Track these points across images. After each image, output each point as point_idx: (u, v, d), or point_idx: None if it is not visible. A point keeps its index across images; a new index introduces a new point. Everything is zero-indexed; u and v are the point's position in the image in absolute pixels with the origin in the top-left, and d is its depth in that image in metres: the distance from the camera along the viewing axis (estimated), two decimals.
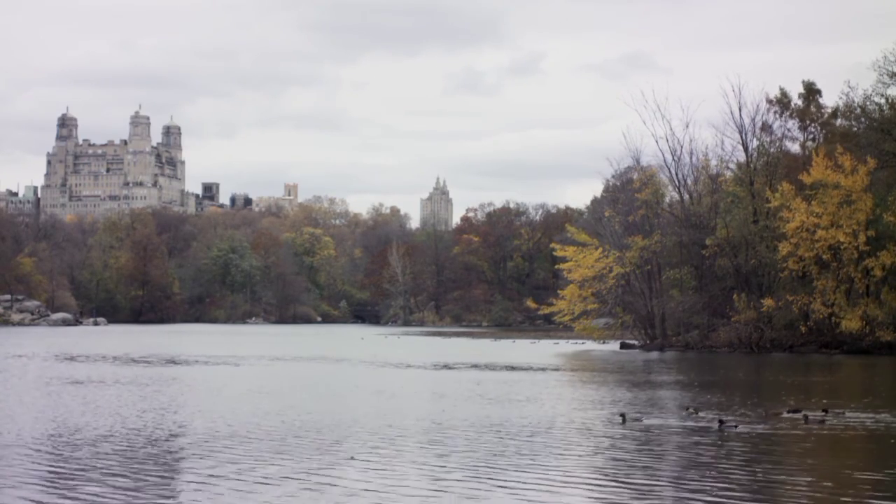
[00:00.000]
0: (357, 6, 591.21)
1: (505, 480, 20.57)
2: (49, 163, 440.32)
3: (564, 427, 29.66)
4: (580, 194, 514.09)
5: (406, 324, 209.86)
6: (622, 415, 31.27)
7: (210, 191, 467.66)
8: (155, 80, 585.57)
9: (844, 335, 76.46)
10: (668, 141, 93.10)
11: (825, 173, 77.68)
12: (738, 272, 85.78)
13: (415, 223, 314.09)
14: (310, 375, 54.16)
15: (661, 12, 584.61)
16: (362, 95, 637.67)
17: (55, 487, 19.88)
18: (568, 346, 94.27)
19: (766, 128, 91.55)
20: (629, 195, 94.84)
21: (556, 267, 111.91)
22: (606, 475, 21.60)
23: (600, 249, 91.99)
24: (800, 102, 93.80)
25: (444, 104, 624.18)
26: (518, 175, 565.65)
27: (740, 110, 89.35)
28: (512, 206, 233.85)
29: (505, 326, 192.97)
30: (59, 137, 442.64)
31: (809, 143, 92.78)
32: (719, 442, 26.43)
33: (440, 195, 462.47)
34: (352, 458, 23.28)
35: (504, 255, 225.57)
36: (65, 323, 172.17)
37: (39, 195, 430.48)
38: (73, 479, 20.70)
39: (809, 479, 21.12)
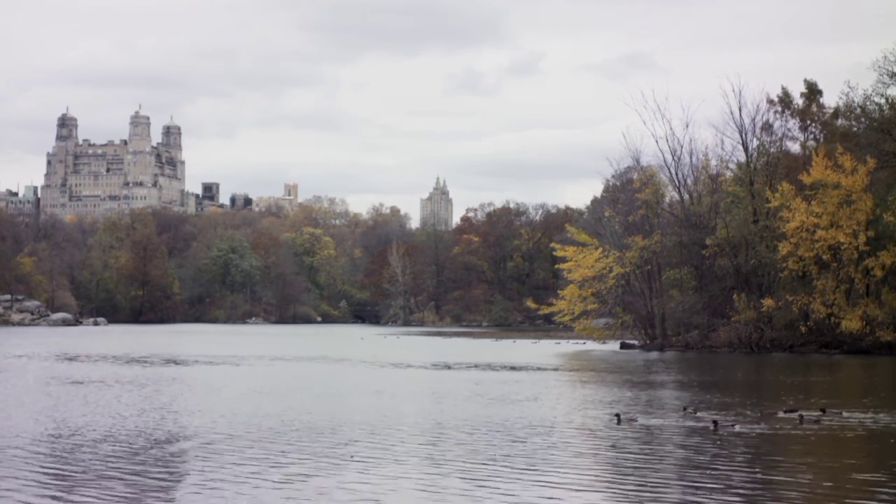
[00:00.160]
0: (357, 6, 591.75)
1: (505, 480, 20.59)
2: (49, 163, 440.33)
3: (561, 427, 29.67)
4: (580, 194, 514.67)
5: (406, 324, 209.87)
6: (617, 415, 31.28)
7: (210, 191, 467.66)
8: (155, 80, 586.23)
9: (844, 335, 76.46)
10: (668, 141, 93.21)
11: (825, 173, 77.70)
12: (738, 272, 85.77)
13: (415, 223, 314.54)
14: (310, 375, 54.17)
15: (661, 12, 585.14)
16: (362, 95, 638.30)
17: (55, 487, 19.89)
18: (569, 346, 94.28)
19: (766, 128, 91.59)
20: (629, 195, 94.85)
21: (556, 267, 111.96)
22: (599, 476, 21.62)
23: (600, 249, 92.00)
24: (801, 102, 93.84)
25: (444, 104, 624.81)
26: (518, 175, 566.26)
27: (740, 110, 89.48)
28: (512, 206, 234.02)
29: (505, 326, 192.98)
30: (59, 137, 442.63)
31: (810, 143, 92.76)
32: (714, 442, 26.41)
33: (440, 195, 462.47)
34: (352, 458, 23.30)
35: (504, 255, 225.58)
36: (65, 323, 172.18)
37: (39, 195, 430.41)
38: (72, 480, 20.71)
39: (802, 478, 21.12)
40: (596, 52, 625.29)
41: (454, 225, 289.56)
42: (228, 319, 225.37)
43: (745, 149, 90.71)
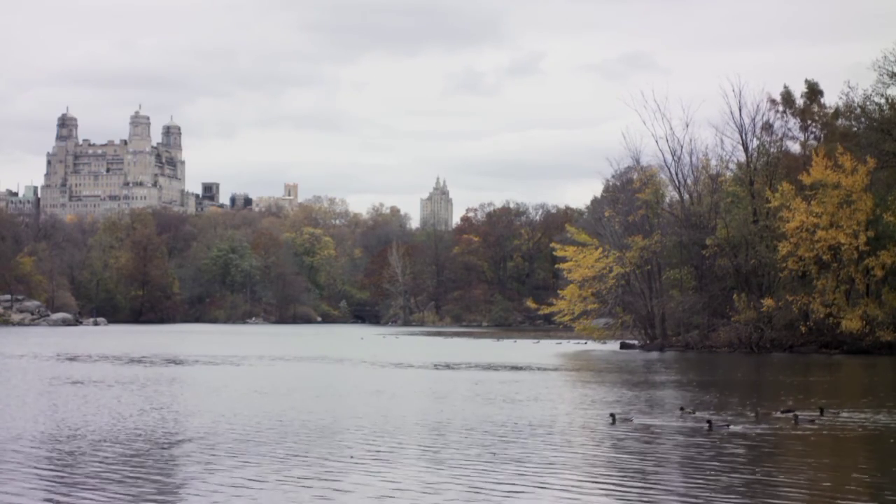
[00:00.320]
0: (357, 6, 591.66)
1: (504, 480, 20.61)
2: (49, 163, 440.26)
3: (560, 427, 29.70)
4: (580, 194, 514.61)
5: (406, 324, 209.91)
6: (612, 415, 31.29)
7: (210, 191, 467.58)
8: (155, 80, 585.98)
9: (844, 335, 76.45)
10: (668, 141, 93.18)
11: (825, 173, 77.70)
12: (738, 272, 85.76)
13: (415, 223, 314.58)
14: (310, 375, 54.18)
15: (661, 12, 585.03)
16: (362, 95, 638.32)
17: (55, 488, 19.91)
18: (569, 346, 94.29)
19: (766, 128, 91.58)
20: (629, 195, 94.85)
21: (556, 267, 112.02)
22: (596, 476, 21.62)
23: (600, 249, 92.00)
24: (801, 102, 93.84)
25: (443, 104, 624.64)
26: (518, 175, 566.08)
27: (740, 110, 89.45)
28: (512, 206, 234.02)
29: (505, 326, 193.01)
30: (59, 137, 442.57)
31: (811, 143, 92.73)
32: (708, 443, 26.41)
33: (440, 195, 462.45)
34: (352, 458, 23.31)
35: (504, 255, 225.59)
36: (65, 323, 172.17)
37: (39, 195, 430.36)
38: (73, 480, 20.73)
39: (795, 479, 21.13)
40: (596, 52, 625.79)
41: (454, 225, 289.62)
42: (228, 319, 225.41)
43: (745, 149, 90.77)
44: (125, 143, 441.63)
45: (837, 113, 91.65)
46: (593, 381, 49.34)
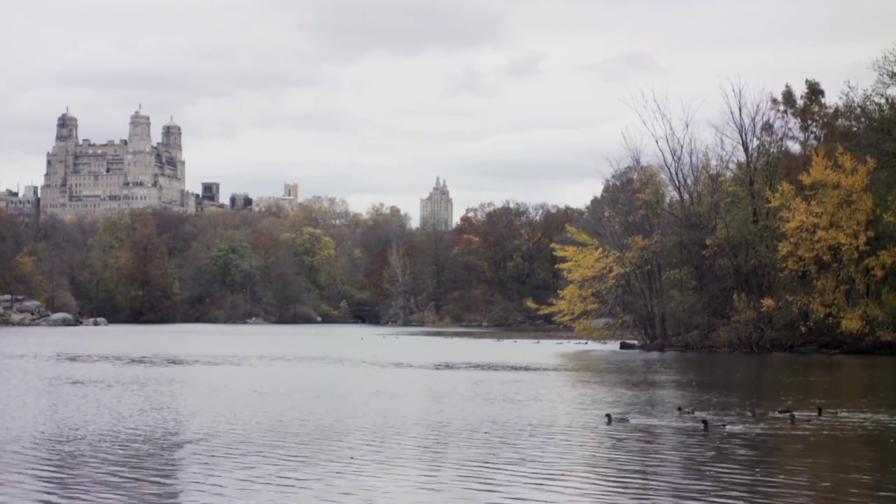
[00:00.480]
0: (357, 6, 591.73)
1: (504, 480, 20.62)
2: (49, 163, 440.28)
3: (559, 427, 29.71)
4: (580, 194, 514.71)
5: (406, 324, 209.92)
6: (608, 415, 31.31)
7: (210, 191, 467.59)
8: (155, 80, 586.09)
9: (844, 335, 76.45)
10: (668, 141, 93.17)
11: (825, 173, 77.71)
12: (738, 272, 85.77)
13: (415, 223, 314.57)
14: (310, 375, 54.18)
15: (661, 12, 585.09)
16: (362, 95, 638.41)
17: (55, 488, 19.92)
18: (570, 346, 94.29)
19: (766, 128, 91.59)
20: (629, 195, 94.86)
21: (556, 267, 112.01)
22: (582, 476, 21.63)
23: (600, 249, 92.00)
24: (802, 102, 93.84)
25: (443, 104, 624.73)
26: (518, 175, 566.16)
27: (740, 110, 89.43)
28: (512, 206, 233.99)
29: (505, 326, 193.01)
30: (59, 137, 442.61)
31: (811, 143, 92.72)
32: (703, 443, 26.41)
33: (440, 195, 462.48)
34: (352, 458, 23.31)
35: (504, 255, 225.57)
36: (65, 323, 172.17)
37: (39, 195, 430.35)
38: (73, 480, 20.74)
39: (789, 479, 21.13)
40: (596, 53, 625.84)
41: (454, 225, 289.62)
42: (228, 319, 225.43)
43: (745, 149, 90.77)
44: (125, 143, 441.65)
45: (837, 113, 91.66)
46: (593, 381, 49.35)
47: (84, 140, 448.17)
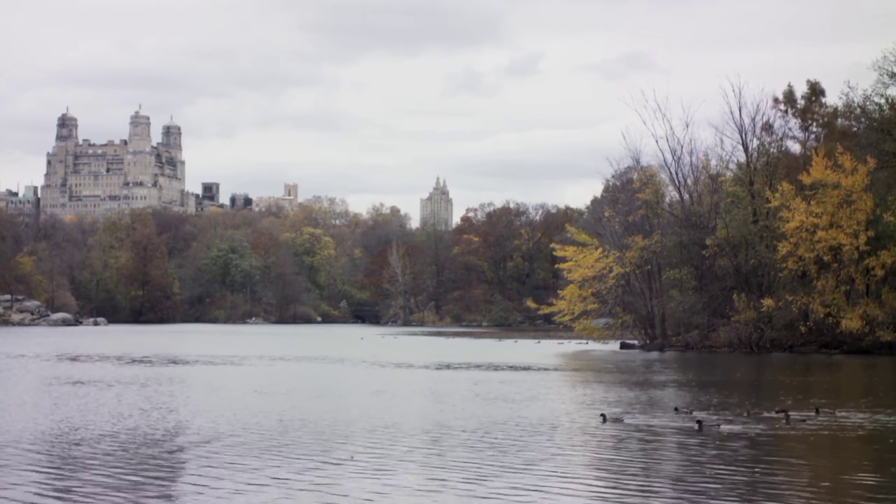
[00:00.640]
0: (357, 6, 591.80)
1: (504, 480, 20.63)
2: (49, 163, 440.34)
3: (557, 427, 29.71)
4: (580, 194, 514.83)
5: (406, 324, 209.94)
6: (603, 415, 31.32)
7: (210, 191, 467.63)
8: (155, 80, 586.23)
9: (844, 335, 76.47)
10: (668, 141, 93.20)
11: (825, 173, 77.73)
12: (738, 272, 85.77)
13: (415, 223, 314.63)
14: (310, 375, 54.20)
15: (660, 12, 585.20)
16: (362, 95, 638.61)
17: (55, 487, 19.93)
18: (570, 346, 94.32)
19: (766, 128, 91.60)
20: (629, 195, 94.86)
21: (556, 267, 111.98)
22: (573, 474, 21.67)
23: (600, 249, 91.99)
24: (802, 102, 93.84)
25: (443, 104, 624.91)
26: (518, 175, 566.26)
27: (740, 110, 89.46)
28: (512, 206, 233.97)
29: (505, 326, 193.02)
30: (59, 137, 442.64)
31: (810, 143, 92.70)
32: (697, 442, 26.43)
33: (440, 195, 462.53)
34: (352, 458, 23.32)
35: (504, 255, 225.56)
36: (65, 323, 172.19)
37: (39, 195, 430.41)
38: (73, 480, 20.75)
39: (781, 478, 21.13)
40: (595, 53, 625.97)
41: (454, 225, 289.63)
42: (228, 319, 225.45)
43: (745, 149, 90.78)
44: (125, 143, 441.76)
45: (837, 113, 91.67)
46: (593, 382, 49.36)
47: (84, 140, 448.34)
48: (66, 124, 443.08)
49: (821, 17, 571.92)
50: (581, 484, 20.53)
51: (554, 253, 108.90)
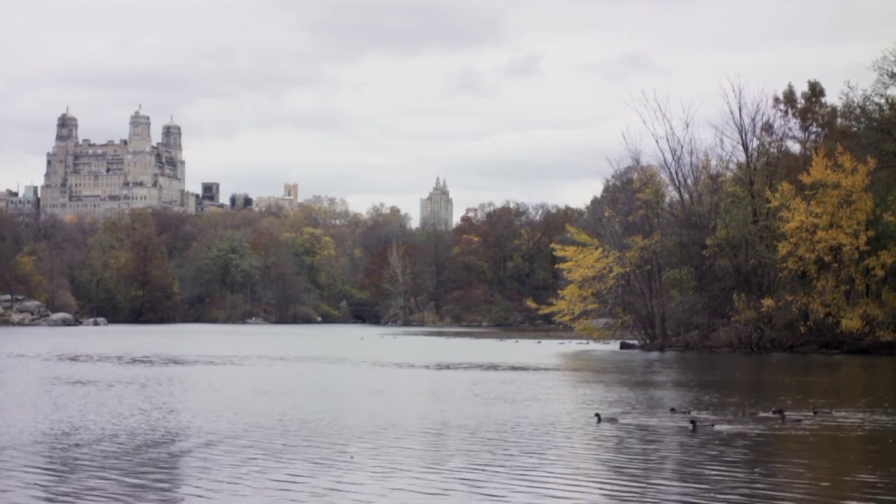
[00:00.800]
0: (357, 6, 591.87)
1: (503, 480, 20.66)
2: (49, 163, 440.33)
3: (557, 426, 29.74)
4: (580, 194, 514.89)
5: (406, 324, 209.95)
6: (597, 415, 31.33)
7: (210, 191, 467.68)
8: (155, 80, 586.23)
9: (844, 335, 76.47)
10: (668, 141, 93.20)
11: (825, 173, 77.73)
12: (738, 272, 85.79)
13: (415, 223, 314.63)
14: (310, 375, 54.20)
15: (660, 12, 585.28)
16: (362, 96, 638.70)
17: (55, 487, 19.94)
18: (571, 346, 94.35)
19: (766, 128, 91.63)
20: (629, 195, 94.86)
21: (556, 267, 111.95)
22: (565, 474, 21.66)
23: (600, 249, 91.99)
24: (802, 102, 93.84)
25: (443, 104, 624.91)
26: (518, 175, 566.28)
27: (740, 110, 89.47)
28: (512, 206, 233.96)
29: (505, 326, 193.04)
30: (59, 137, 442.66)
31: (811, 143, 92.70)
32: (690, 442, 26.44)
33: (440, 195, 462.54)
34: (352, 458, 23.33)
35: (504, 255, 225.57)
36: (65, 323, 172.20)
37: (39, 195, 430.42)
38: (73, 479, 20.76)
39: (770, 477, 21.14)
40: (595, 53, 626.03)
41: (454, 225, 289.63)
42: (228, 319, 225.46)
43: (745, 149, 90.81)
44: (125, 143, 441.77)
45: (837, 113, 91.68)
46: (592, 382, 49.37)
47: (84, 140, 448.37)
48: (66, 124, 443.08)
49: (821, 17, 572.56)
50: (565, 482, 20.55)
51: (554, 253, 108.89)
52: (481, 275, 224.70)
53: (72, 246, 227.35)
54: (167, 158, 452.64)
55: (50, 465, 22.62)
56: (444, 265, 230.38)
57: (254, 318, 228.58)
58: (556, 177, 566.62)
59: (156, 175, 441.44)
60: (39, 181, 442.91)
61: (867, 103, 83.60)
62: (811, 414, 32.52)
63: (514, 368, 59.46)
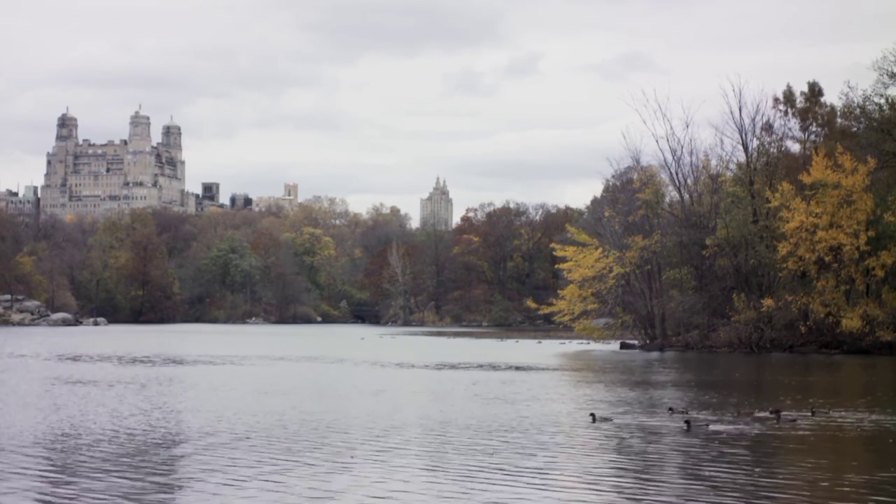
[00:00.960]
0: (357, 6, 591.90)
1: (503, 480, 20.68)
2: (49, 163, 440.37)
3: (539, 426, 29.74)
4: (580, 194, 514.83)
5: (406, 324, 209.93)
6: (592, 414, 31.34)
7: (210, 191, 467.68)
8: (155, 81, 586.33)
9: (844, 335, 76.49)
10: (668, 141, 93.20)
11: (825, 173, 77.74)
12: (738, 272, 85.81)
13: (415, 223, 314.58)
14: (310, 375, 54.21)
15: (661, 12, 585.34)
16: (362, 96, 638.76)
17: (56, 488, 19.96)
18: (572, 346, 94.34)
19: (766, 128, 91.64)
20: (629, 195, 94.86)
21: (556, 267, 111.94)
22: (556, 473, 21.67)
23: (600, 249, 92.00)
24: (802, 102, 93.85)
25: (443, 104, 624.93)
26: (518, 175, 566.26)
27: (740, 110, 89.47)
28: (512, 206, 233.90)
29: (505, 326, 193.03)
30: (59, 137, 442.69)
31: (811, 143, 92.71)
32: (685, 441, 26.44)
33: (440, 195, 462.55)
34: (352, 458, 23.35)
35: (504, 255, 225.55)
36: (65, 323, 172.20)
37: (39, 195, 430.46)
38: (73, 480, 20.78)
39: (765, 477, 21.15)
40: (595, 53, 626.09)
41: (454, 225, 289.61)
42: (228, 319, 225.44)
43: (745, 149, 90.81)
44: (125, 143, 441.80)
45: (836, 113, 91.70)
46: (592, 381, 49.38)
47: (84, 140, 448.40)
48: (66, 124, 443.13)
49: (821, 17, 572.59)
50: (554, 481, 20.57)
51: (554, 253, 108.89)
52: (481, 275, 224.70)
53: (72, 246, 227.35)
54: (167, 158, 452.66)
55: (50, 465, 22.64)
56: (444, 265, 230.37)
57: (254, 318, 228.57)
58: (556, 177, 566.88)
59: (156, 175, 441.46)
60: (39, 181, 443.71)
61: (867, 103, 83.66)
62: (808, 414, 32.50)
63: (514, 368, 59.47)
